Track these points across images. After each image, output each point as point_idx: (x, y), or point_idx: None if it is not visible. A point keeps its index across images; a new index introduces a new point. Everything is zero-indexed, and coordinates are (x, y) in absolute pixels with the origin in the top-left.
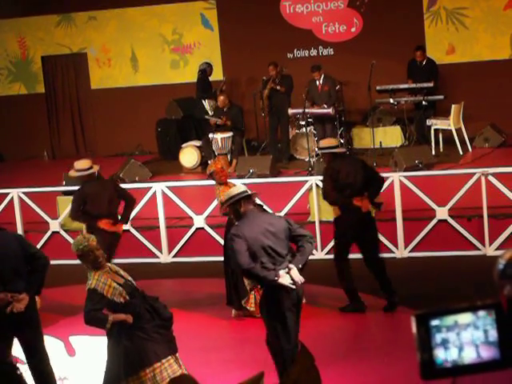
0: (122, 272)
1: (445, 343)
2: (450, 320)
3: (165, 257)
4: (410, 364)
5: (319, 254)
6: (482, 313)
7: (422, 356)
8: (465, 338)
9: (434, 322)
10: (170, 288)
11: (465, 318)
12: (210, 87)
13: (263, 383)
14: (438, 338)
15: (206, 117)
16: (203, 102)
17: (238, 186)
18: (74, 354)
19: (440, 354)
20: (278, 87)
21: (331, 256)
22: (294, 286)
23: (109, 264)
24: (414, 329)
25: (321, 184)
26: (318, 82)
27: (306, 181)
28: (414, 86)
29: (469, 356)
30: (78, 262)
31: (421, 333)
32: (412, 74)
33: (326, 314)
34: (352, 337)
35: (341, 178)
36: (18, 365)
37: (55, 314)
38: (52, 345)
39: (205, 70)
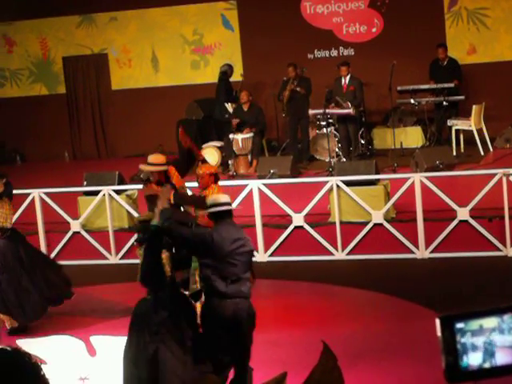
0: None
1: (470, 347)
2: (475, 324)
3: None
4: (435, 366)
5: (340, 255)
6: (507, 316)
7: (447, 359)
8: (490, 341)
9: (459, 325)
10: None
11: (490, 322)
12: (232, 89)
13: (286, 383)
14: (463, 341)
15: (226, 116)
16: (226, 105)
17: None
18: (94, 354)
19: (465, 358)
20: (298, 89)
21: (352, 257)
22: None
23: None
24: (438, 331)
25: (342, 185)
26: (343, 81)
27: (327, 181)
28: (434, 86)
29: (494, 359)
30: (98, 262)
31: (445, 336)
32: (434, 74)
33: (347, 314)
34: (374, 337)
35: None
36: (42, 365)
37: (76, 314)
38: (73, 345)
39: (226, 72)
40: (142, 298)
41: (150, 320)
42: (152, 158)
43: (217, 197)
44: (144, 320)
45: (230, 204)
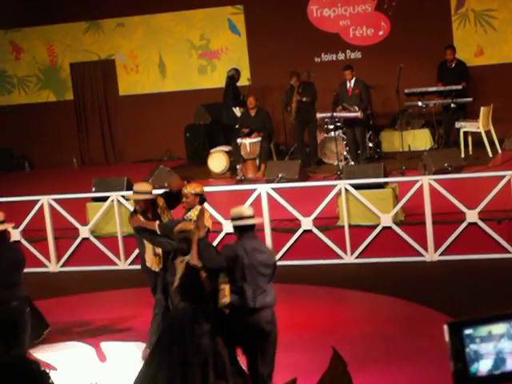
0: None
1: (479, 353)
2: (483, 330)
3: None
4: (445, 370)
5: (349, 259)
6: None
7: (456, 365)
8: (499, 348)
9: (468, 332)
10: None
11: (499, 328)
12: (239, 94)
13: None
14: (472, 347)
15: (236, 126)
16: (233, 109)
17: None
18: (105, 360)
19: (474, 364)
20: (304, 98)
21: (360, 260)
22: None
23: None
24: (446, 338)
25: (350, 188)
26: (348, 84)
27: (335, 185)
28: (442, 88)
29: (504, 366)
30: (107, 267)
31: (454, 342)
32: (442, 76)
33: (357, 317)
34: (384, 342)
35: None
36: (51, 372)
37: (86, 321)
38: (83, 351)
39: (233, 77)
40: (175, 307)
41: (192, 330)
42: (137, 187)
43: (241, 209)
44: (183, 330)
45: (253, 217)
